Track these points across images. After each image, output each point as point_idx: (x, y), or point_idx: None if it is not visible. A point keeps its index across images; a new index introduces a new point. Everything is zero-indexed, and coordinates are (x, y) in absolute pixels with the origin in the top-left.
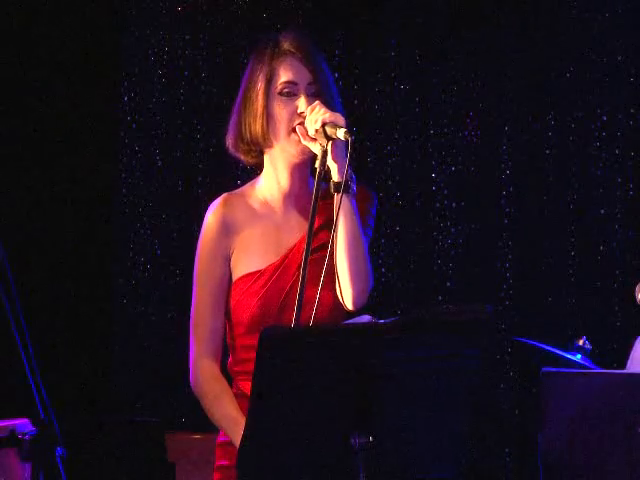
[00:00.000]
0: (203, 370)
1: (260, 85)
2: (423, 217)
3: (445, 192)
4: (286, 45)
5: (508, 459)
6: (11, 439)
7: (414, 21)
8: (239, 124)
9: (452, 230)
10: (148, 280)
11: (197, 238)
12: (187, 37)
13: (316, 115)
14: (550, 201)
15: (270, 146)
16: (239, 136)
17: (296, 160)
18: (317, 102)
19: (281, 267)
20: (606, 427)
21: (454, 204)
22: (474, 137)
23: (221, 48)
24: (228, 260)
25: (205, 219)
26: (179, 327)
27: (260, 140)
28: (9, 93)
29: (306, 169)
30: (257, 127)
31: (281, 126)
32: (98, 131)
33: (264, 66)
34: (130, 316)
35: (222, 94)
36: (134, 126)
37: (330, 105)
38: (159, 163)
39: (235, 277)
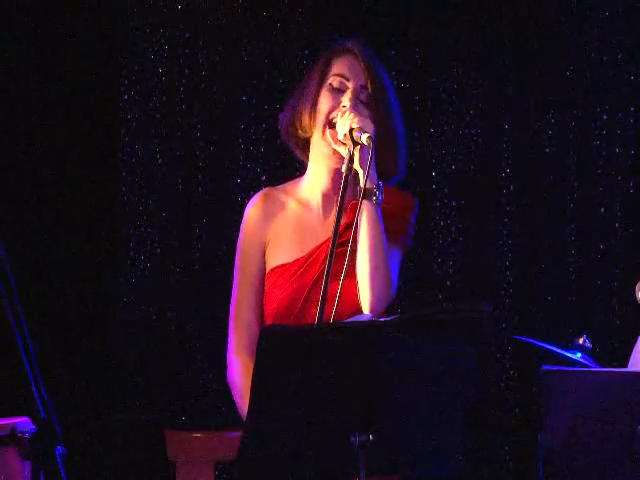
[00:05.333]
0: (239, 364)
1: (316, 74)
2: (423, 215)
3: (445, 191)
4: (349, 44)
5: (508, 459)
6: (11, 437)
7: (414, 21)
8: (293, 110)
9: (452, 229)
10: (148, 280)
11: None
12: (187, 36)
13: (345, 119)
14: (550, 201)
15: (312, 137)
16: (291, 121)
17: (330, 163)
18: (348, 107)
19: (308, 262)
20: (606, 426)
21: (454, 203)
22: (474, 136)
23: (221, 48)
24: (264, 251)
25: (246, 212)
26: (179, 326)
27: (306, 128)
28: (8, 92)
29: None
30: (305, 114)
31: (320, 117)
32: (98, 130)
33: (325, 58)
34: (130, 316)
35: (222, 93)
36: (134, 125)
37: (382, 118)
38: (159, 162)
39: (267, 269)
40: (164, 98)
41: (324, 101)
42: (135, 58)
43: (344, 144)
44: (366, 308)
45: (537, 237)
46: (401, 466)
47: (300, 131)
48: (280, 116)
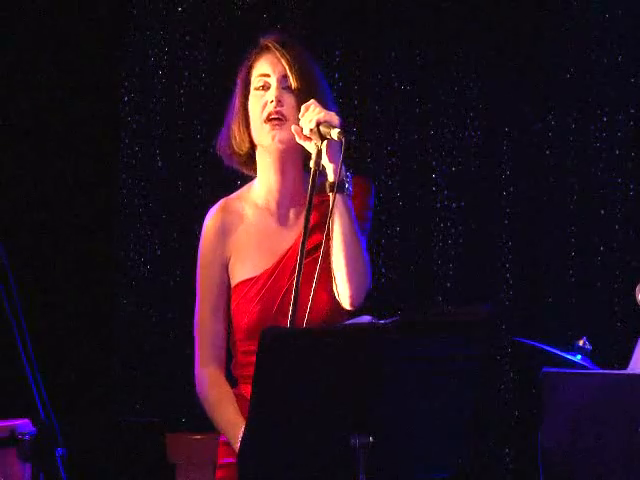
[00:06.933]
0: (206, 376)
1: (239, 85)
2: (423, 217)
3: (445, 192)
4: (265, 42)
5: (508, 459)
6: (11, 439)
7: (414, 21)
8: (227, 129)
9: (452, 230)
10: (148, 280)
11: (198, 238)
12: (187, 37)
13: (310, 114)
14: (550, 201)
15: (253, 145)
16: (228, 142)
17: (276, 154)
18: (312, 101)
19: (275, 272)
20: (606, 427)
21: (454, 204)
22: (474, 137)
23: (221, 48)
24: (226, 266)
25: (204, 225)
26: (179, 327)
27: (240, 142)
28: (9, 93)
29: (297, 167)
30: (234, 127)
31: (253, 120)
32: (98, 131)
33: (244, 67)
34: (130, 316)
35: (222, 94)
36: (134, 126)
37: (312, 99)
38: (159, 163)
39: (233, 283)
40: (164, 100)
41: (253, 106)
42: (135, 60)
43: (309, 139)
44: (345, 301)
45: (537, 239)
46: (401, 468)
47: (236, 148)
48: (217, 143)
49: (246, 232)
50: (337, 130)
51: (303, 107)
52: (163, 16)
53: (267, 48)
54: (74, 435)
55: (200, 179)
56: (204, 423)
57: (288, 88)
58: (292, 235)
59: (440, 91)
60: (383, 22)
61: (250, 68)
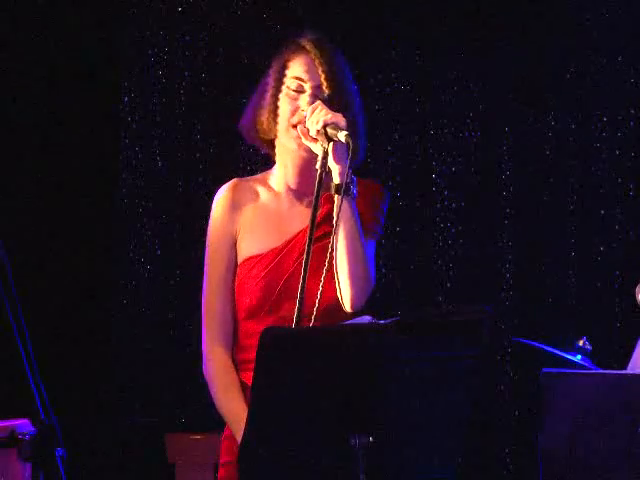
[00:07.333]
0: (214, 359)
1: (272, 77)
2: (423, 217)
3: (445, 192)
4: (303, 42)
5: (508, 459)
6: (11, 439)
7: (414, 21)
8: (252, 114)
9: (452, 230)
10: (148, 280)
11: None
12: (187, 37)
13: (317, 116)
14: (550, 201)
15: (277, 138)
16: (252, 126)
17: (297, 158)
18: (318, 102)
19: (282, 253)
20: (606, 427)
21: (454, 204)
22: (474, 137)
23: (221, 48)
24: (235, 242)
25: (214, 203)
26: (179, 327)
27: (267, 131)
28: (9, 93)
29: (314, 165)
30: (263, 118)
31: (281, 120)
32: (98, 131)
33: (280, 59)
34: (130, 316)
35: (222, 94)
36: (134, 126)
37: (342, 112)
38: (159, 163)
39: (240, 260)
40: (164, 100)
41: (284, 106)
42: (135, 59)
43: (315, 140)
44: (347, 303)
45: (537, 239)
46: (401, 468)
47: (262, 134)
48: (241, 121)
49: (256, 209)
50: (345, 132)
51: (310, 108)
52: (163, 16)
53: (305, 50)
54: (74, 435)
55: (200, 179)
56: (204, 423)
57: (321, 99)
58: (303, 219)
59: (440, 91)
60: (383, 22)
61: (285, 67)
